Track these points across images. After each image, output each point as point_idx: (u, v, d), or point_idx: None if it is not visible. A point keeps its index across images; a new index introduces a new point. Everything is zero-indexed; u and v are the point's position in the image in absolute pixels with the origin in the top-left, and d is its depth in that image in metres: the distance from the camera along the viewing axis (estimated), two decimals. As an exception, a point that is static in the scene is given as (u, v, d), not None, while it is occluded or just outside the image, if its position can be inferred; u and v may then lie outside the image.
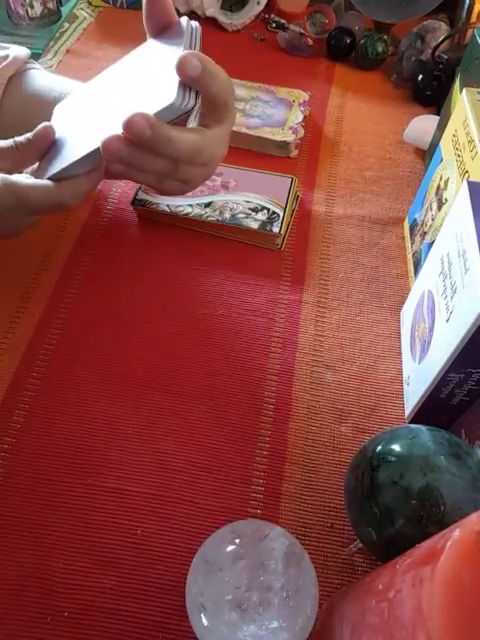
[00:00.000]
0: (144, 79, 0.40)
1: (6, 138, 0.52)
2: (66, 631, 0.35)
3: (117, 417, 0.44)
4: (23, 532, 0.38)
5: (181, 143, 0.37)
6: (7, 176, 0.39)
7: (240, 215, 0.56)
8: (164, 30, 0.41)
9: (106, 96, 0.42)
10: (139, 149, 0.36)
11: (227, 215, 0.56)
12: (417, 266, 0.53)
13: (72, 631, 0.35)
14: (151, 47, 0.42)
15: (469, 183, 0.39)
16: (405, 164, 0.69)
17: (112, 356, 0.47)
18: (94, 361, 0.47)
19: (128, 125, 0.34)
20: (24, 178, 0.40)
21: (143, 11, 0.40)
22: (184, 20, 0.40)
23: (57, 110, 0.46)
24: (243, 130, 0.67)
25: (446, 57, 0.74)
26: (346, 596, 0.30)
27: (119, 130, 0.35)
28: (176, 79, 0.35)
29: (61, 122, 0.44)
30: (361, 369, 0.48)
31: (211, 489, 0.41)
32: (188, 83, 0.36)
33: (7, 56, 0.53)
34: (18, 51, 0.54)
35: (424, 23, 0.78)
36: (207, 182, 0.60)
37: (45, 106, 0.50)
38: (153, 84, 0.38)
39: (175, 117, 0.36)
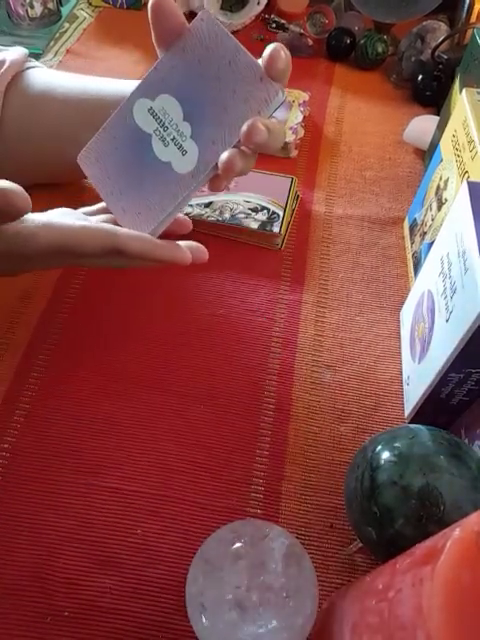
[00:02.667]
0: (213, 91, 0.34)
1: (12, 145, 0.51)
2: (66, 631, 0.35)
3: (117, 417, 0.44)
4: (23, 532, 0.38)
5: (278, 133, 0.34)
6: (115, 229, 0.35)
7: (240, 215, 0.56)
8: (174, 37, 0.35)
9: (159, 122, 0.35)
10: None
11: (227, 215, 0.56)
12: (417, 266, 0.53)
13: (72, 631, 0.35)
14: (181, 59, 0.35)
15: (469, 183, 0.39)
16: (405, 164, 0.69)
17: (112, 356, 0.47)
18: (94, 361, 0.47)
19: (252, 134, 0.31)
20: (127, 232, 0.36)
21: (150, 20, 0.35)
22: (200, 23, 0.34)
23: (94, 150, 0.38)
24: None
25: (446, 57, 0.74)
26: (346, 596, 0.30)
27: (215, 147, 0.33)
28: (264, 75, 0.32)
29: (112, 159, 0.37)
30: (361, 369, 0.48)
31: (211, 489, 0.41)
32: (253, 148, 0.33)
33: (3, 61, 0.51)
34: (14, 54, 0.52)
35: (424, 23, 0.78)
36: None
37: (53, 105, 0.50)
38: (233, 93, 0.33)
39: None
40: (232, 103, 0.33)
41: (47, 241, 0.34)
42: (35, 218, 0.34)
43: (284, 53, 0.32)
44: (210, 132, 0.34)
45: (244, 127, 0.32)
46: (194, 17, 0.34)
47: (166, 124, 0.35)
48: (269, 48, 0.32)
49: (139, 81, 0.36)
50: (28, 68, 0.53)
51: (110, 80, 0.50)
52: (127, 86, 0.49)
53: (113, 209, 0.37)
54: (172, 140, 0.35)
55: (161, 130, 0.35)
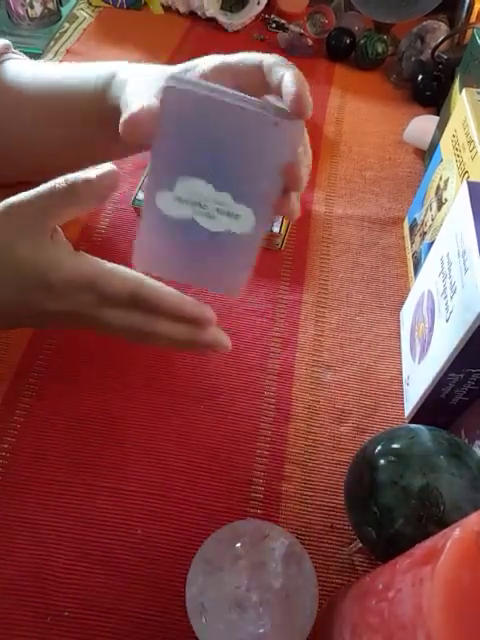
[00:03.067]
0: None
1: None
2: (66, 631, 0.35)
3: (117, 417, 0.44)
4: (23, 532, 0.38)
5: None
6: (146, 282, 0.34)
7: (240, 215, 0.56)
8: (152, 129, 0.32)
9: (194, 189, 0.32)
10: None
11: (227, 215, 0.56)
12: (417, 266, 0.53)
13: (72, 631, 0.35)
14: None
15: (469, 183, 0.39)
16: (405, 164, 0.69)
17: (112, 356, 0.47)
18: (94, 361, 0.47)
19: (296, 180, 0.33)
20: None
21: (121, 133, 0.34)
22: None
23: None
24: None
25: (446, 57, 0.74)
26: (346, 596, 0.30)
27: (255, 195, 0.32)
28: (279, 120, 0.31)
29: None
30: (361, 369, 0.48)
31: (211, 489, 0.41)
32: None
33: None
34: None
35: (424, 23, 0.78)
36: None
37: (25, 97, 0.47)
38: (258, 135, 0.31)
39: None
40: (259, 155, 0.31)
41: (74, 269, 0.32)
42: (68, 247, 0.33)
43: (307, 93, 0.34)
44: (253, 189, 0.32)
45: (286, 175, 0.32)
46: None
47: (202, 203, 0.32)
48: (291, 88, 0.33)
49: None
50: (5, 60, 0.51)
51: (85, 66, 0.48)
52: (106, 68, 0.46)
53: (195, 284, 0.38)
54: (217, 212, 0.33)
55: (200, 209, 0.32)
